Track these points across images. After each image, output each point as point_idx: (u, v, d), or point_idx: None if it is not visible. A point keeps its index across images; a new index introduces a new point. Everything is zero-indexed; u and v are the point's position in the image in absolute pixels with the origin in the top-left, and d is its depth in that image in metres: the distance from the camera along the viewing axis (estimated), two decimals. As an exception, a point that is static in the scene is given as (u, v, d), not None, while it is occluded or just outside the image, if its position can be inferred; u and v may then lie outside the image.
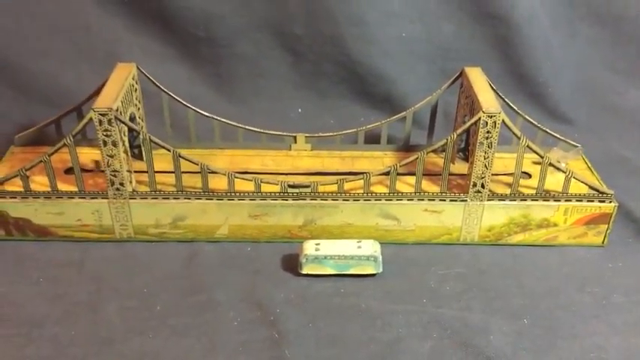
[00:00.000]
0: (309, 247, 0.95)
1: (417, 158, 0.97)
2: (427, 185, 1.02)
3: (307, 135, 1.13)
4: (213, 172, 0.98)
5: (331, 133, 1.12)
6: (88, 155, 1.09)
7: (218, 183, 0.99)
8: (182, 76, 1.31)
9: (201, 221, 1.01)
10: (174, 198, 0.99)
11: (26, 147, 1.12)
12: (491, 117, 0.92)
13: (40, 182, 1.01)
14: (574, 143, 1.09)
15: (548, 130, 1.07)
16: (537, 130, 1.07)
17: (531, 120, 1.06)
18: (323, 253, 0.95)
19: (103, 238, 1.02)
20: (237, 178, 0.98)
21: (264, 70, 1.33)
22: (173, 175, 0.99)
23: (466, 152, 1.12)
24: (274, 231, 1.02)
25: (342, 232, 1.02)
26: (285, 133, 1.12)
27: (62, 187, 1.00)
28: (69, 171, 1.06)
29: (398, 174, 0.99)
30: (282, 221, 1.01)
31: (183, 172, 0.98)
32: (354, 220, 1.01)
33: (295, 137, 1.13)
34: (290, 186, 0.99)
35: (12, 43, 1.26)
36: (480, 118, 0.92)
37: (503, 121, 0.93)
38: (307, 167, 1.10)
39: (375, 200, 0.99)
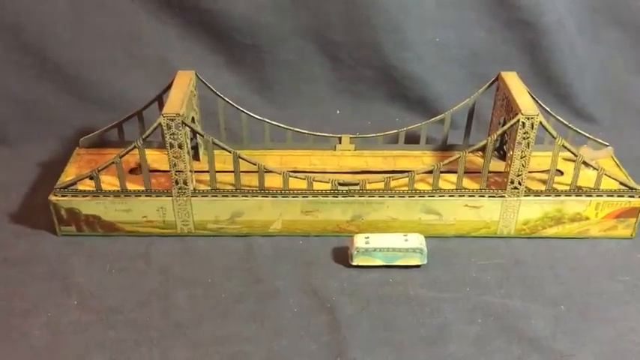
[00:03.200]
0: (360, 241, 1.03)
1: (459, 157, 1.04)
2: (466, 183, 1.09)
3: (352, 136, 1.21)
4: (268, 172, 1.06)
5: (374, 134, 1.20)
6: (147, 156, 1.16)
7: (272, 181, 1.07)
8: (229, 81, 1.39)
9: (257, 217, 1.09)
10: (233, 195, 1.07)
11: (90, 149, 1.20)
12: (529, 119, 1.00)
13: (107, 182, 1.09)
14: (604, 142, 1.16)
15: (579, 130, 1.14)
16: (568, 129, 1.14)
17: (563, 121, 1.13)
18: (373, 245, 1.02)
19: (165, 233, 1.10)
20: (291, 177, 1.06)
21: (305, 75, 1.41)
22: (228, 174, 1.08)
23: (500, 151, 1.19)
24: (324, 225, 1.10)
25: (388, 227, 1.09)
26: (330, 134, 1.20)
27: (128, 186, 1.08)
28: (132, 171, 1.15)
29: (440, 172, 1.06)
30: (332, 216, 1.09)
31: (240, 172, 1.06)
32: (398, 215, 1.09)
33: (340, 138, 1.21)
34: (340, 184, 1.07)
35: (72, 54, 1.34)
36: (519, 120, 1.00)
37: (540, 122, 1.00)
38: (352, 166, 1.18)
39: (419, 197, 1.07)
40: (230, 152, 1.04)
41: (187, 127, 1.02)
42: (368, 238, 1.04)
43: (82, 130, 1.30)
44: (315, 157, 1.20)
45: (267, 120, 1.17)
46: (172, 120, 0.99)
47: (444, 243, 1.09)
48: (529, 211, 1.08)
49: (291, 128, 1.18)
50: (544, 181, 1.08)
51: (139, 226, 1.09)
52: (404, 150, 1.21)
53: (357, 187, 1.07)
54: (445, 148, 1.21)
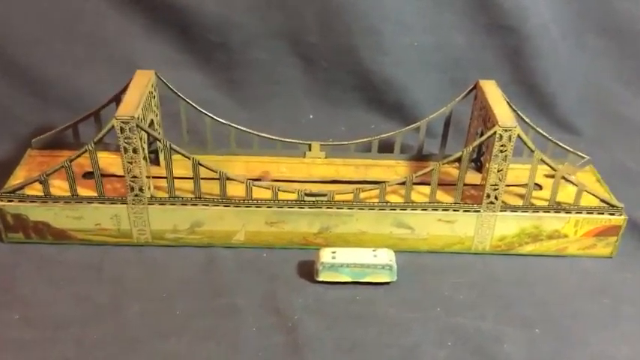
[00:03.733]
0: (326, 255, 0.97)
1: (433, 170, 0.99)
2: (441, 195, 1.04)
3: (322, 143, 1.14)
4: (231, 180, 1.00)
5: (346, 142, 1.14)
6: (104, 160, 1.10)
7: (235, 189, 1.01)
8: (196, 81, 1.32)
9: (218, 227, 1.02)
10: (193, 204, 1.01)
11: (43, 150, 1.13)
12: (506, 131, 0.94)
13: (58, 186, 1.02)
14: (583, 155, 1.11)
15: (559, 143, 1.09)
16: (548, 141, 1.09)
17: (543, 132, 1.08)
18: (339, 261, 0.96)
19: (121, 242, 1.03)
20: (254, 185, 1.00)
21: (277, 77, 1.34)
22: (190, 180, 1.01)
23: (477, 163, 1.14)
24: (290, 237, 1.04)
25: (357, 240, 1.03)
26: (300, 141, 1.14)
27: (80, 191, 1.01)
28: (86, 175, 1.07)
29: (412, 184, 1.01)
30: (298, 228, 1.03)
31: (200, 179, 1.00)
32: (368, 229, 1.03)
33: (310, 145, 1.15)
34: (307, 195, 1.01)
35: (30, 48, 1.26)
36: (495, 132, 0.94)
37: (518, 134, 0.95)
38: (322, 175, 1.12)
39: (390, 210, 1.01)
40: (188, 158, 0.97)
41: (143, 131, 0.95)
42: (335, 252, 0.98)
43: (36, 127, 1.22)
44: (283, 164, 1.14)
45: (232, 124, 1.11)
46: (126, 123, 0.93)
47: (416, 258, 1.03)
48: (505, 226, 1.02)
49: (258, 133, 1.12)
50: (522, 196, 1.03)
51: (91, 234, 1.03)
52: (377, 159, 1.15)
53: (325, 199, 1.01)
54: (420, 157, 1.16)
